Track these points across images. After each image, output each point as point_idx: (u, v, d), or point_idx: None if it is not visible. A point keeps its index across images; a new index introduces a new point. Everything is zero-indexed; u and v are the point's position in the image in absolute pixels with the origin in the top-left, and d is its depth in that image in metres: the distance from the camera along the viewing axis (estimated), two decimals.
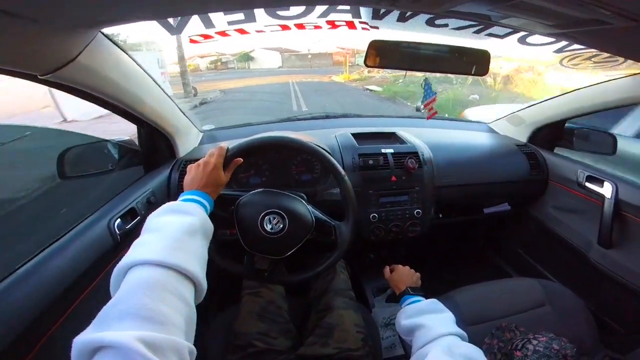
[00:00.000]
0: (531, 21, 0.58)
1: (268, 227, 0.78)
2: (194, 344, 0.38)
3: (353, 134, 1.19)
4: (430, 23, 0.68)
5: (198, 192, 0.62)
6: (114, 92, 0.77)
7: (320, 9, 0.74)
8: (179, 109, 1.10)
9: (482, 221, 1.42)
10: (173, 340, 0.34)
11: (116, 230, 0.86)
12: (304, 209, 0.83)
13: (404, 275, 0.91)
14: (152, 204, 0.99)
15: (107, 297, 0.81)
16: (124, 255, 0.86)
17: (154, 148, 1.08)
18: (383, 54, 0.77)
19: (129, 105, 0.84)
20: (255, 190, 0.85)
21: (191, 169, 0.69)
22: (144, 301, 0.36)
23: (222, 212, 0.80)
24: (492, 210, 1.28)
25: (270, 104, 10.54)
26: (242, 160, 0.75)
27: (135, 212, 0.93)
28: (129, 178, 1.06)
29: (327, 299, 0.97)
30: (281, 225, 0.79)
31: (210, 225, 0.57)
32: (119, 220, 0.88)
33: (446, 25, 0.68)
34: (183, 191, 0.64)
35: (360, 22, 0.76)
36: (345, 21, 0.77)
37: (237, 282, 1.02)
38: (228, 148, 0.74)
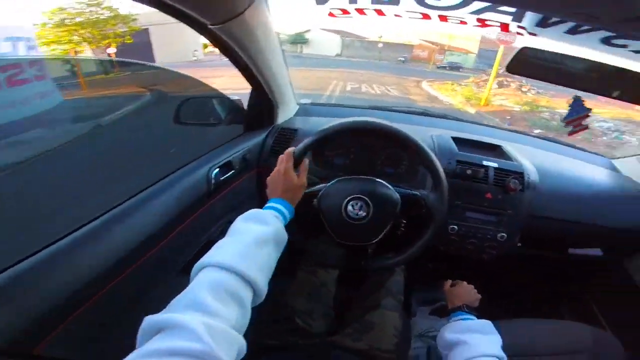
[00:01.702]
0: None
1: (352, 214, 0.78)
2: None
3: (453, 138, 1.14)
4: (606, 41, 0.60)
5: (278, 199, 0.67)
6: (255, 54, 0.81)
7: (478, 4, 0.70)
8: (289, 80, 1.13)
9: (559, 259, 1.31)
10: (226, 329, 0.39)
11: (212, 179, 0.92)
12: (386, 188, 0.81)
13: (465, 292, 0.88)
14: (246, 161, 1.05)
15: (194, 238, 0.86)
16: (214, 202, 0.95)
17: (258, 111, 1.13)
18: (532, 63, 0.71)
19: (259, 68, 0.88)
20: (332, 182, 0.84)
21: (269, 180, 0.73)
22: (206, 298, 0.41)
23: (307, 208, 0.81)
24: (579, 252, 1.15)
25: None
26: (307, 161, 0.75)
27: (231, 165, 0.99)
28: (229, 133, 1.13)
29: (378, 296, 0.97)
30: (364, 213, 0.78)
31: (283, 236, 0.60)
32: (217, 170, 0.94)
33: (625, 46, 0.60)
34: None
35: (519, 27, 0.70)
36: (501, 22, 0.72)
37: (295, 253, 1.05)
38: (294, 151, 0.75)
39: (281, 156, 0.74)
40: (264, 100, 1.10)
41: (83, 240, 0.62)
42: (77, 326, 0.58)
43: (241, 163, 1.03)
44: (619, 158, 1.28)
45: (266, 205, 0.66)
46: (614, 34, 0.59)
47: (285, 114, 1.20)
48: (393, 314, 0.91)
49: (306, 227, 0.85)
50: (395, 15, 0.84)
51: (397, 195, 0.81)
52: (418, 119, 1.34)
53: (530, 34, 0.70)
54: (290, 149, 0.75)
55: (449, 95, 10.17)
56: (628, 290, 1.13)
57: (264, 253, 0.54)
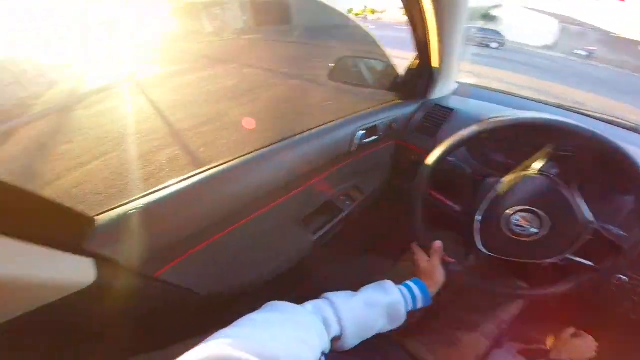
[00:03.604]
0: None
1: (517, 230, 0.63)
2: None
3: None
4: None
5: (417, 280, 0.69)
6: (442, 12, 0.73)
7: None
8: (460, 53, 1.01)
9: None
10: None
11: (355, 140, 0.90)
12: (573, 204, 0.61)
13: (585, 348, 0.75)
14: (392, 130, 1.00)
15: (320, 195, 0.88)
16: (348, 163, 0.94)
17: (414, 81, 1.05)
18: None
19: (441, 30, 0.80)
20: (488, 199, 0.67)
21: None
22: (307, 308, 0.53)
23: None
24: None
25: None
26: (440, 244, 0.72)
27: (376, 130, 0.96)
28: (379, 98, 1.10)
29: (478, 317, 0.85)
30: (535, 230, 0.62)
31: (398, 311, 0.62)
32: (362, 132, 0.92)
33: None
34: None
35: None
36: None
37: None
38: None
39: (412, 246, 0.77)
40: (423, 70, 1.01)
41: (223, 177, 0.67)
42: (197, 259, 0.63)
43: (386, 130, 0.99)
44: None
45: (408, 281, 0.69)
46: None
47: (442, 90, 1.09)
48: (484, 342, 0.79)
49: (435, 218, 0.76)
50: None
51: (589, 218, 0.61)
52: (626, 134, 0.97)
53: None
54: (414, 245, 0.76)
55: None
56: None
57: (368, 313, 0.59)
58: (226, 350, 0.32)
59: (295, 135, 0.83)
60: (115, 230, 0.53)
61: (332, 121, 0.92)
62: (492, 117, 0.80)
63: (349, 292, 0.61)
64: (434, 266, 0.69)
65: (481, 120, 0.85)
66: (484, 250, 0.68)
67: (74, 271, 0.45)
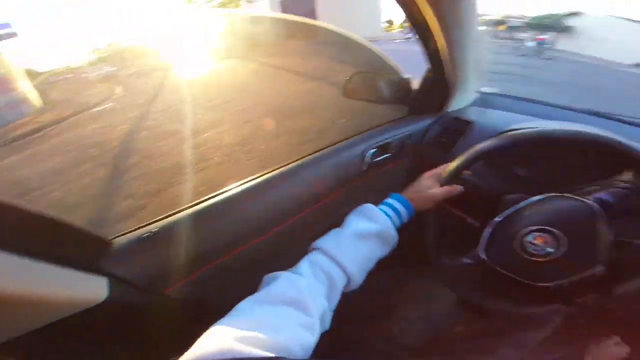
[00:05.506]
0: None
1: (531, 249, 0.55)
2: None
3: None
4: None
5: (400, 197, 0.68)
6: (451, 21, 0.70)
7: None
8: (479, 62, 0.95)
9: None
10: (315, 285, 0.51)
11: (366, 159, 0.90)
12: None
13: None
14: (404, 147, 0.98)
15: (332, 214, 0.82)
16: (358, 184, 0.91)
17: (428, 93, 1.01)
18: None
19: (450, 39, 0.77)
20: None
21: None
22: (305, 270, 0.53)
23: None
24: None
25: None
26: (459, 189, 0.66)
27: (388, 148, 0.94)
28: (391, 114, 1.07)
29: (496, 341, 0.76)
30: (551, 249, 0.54)
31: (391, 235, 0.62)
32: (373, 150, 0.91)
33: None
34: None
35: None
36: None
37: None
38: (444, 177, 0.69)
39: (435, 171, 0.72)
40: (437, 82, 0.97)
41: (232, 200, 0.71)
42: (206, 277, 0.66)
43: (398, 147, 0.97)
44: None
45: (387, 199, 0.68)
46: None
47: (460, 101, 1.03)
48: None
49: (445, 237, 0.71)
50: None
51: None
52: None
53: None
54: (438, 171, 0.71)
55: None
56: None
57: (363, 247, 0.59)
58: (235, 345, 0.30)
59: (304, 156, 0.85)
60: (130, 252, 0.58)
61: (342, 140, 0.92)
62: (513, 129, 0.76)
63: (333, 232, 0.61)
64: (426, 186, 0.68)
65: (501, 132, 0.80)
66: (486, 259, 0.59)
67: (88, 289, 0.49)
